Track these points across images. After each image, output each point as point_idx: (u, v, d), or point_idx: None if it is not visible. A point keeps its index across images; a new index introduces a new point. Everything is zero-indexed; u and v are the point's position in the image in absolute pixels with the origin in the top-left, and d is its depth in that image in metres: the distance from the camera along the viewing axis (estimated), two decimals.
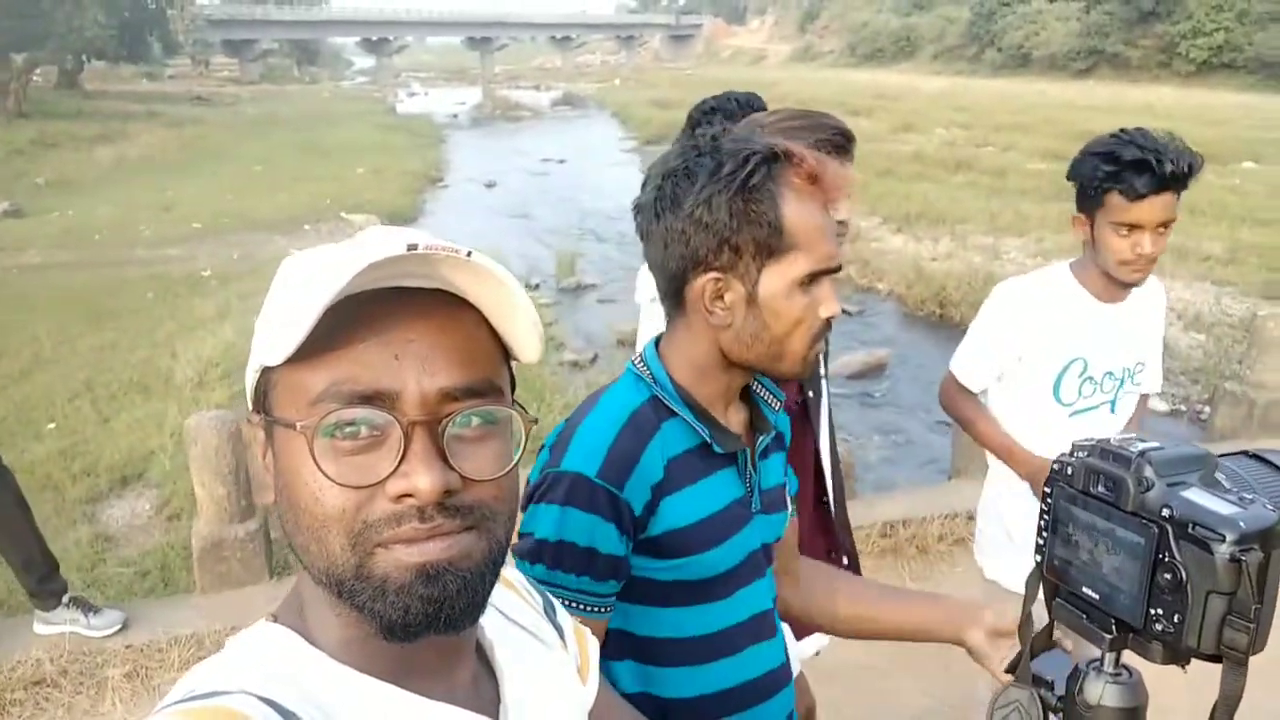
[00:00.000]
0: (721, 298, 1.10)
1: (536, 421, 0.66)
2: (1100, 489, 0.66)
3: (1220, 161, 15.73)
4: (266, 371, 0.64)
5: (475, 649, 0.72)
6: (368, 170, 18.93)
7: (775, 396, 1.24)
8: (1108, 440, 0.69)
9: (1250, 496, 0.63)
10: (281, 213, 14.47)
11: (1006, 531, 2.20)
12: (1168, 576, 0.62)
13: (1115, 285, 2.04)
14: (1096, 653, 0.70)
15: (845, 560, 1.98)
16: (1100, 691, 0.69)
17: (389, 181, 17.89)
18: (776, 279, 1.09)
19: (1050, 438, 2.05)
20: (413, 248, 0.59)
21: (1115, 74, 48.79)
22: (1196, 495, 0.63)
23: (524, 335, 0.67)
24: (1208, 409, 5.87)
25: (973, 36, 61.26)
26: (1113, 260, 1.97)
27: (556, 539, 1.08)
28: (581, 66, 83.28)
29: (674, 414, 1.14)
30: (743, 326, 1.11)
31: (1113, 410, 2.14)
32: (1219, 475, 0.66)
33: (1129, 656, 0.68)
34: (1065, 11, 55.00)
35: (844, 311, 7.25)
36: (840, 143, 1.61)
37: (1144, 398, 2.27)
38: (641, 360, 1.19)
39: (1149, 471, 0.64)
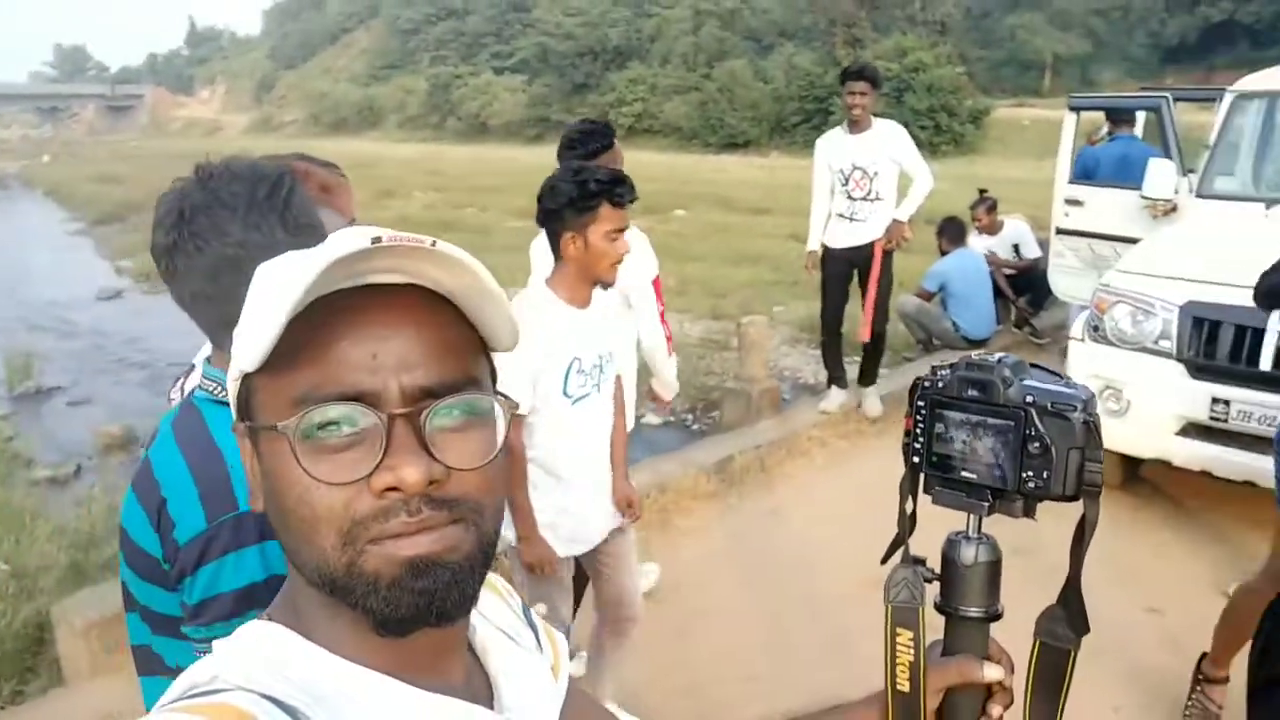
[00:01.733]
0: None
1: (518, 408, 0.66)
2: (972, 392, 0.85)
3: (659, 211, 18.29)
4: (247, 378, 0.64)
5: (468, 647, 0.73)
6: None
7: None
8: (968, 357, 0.88)
9: (1063, 379, 0.85)
10: None
11: None
12: (1036, 445, 0.81)
13: (587, 289, 2.42)
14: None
15: None
16: (974, 553, 0.87)
17: None
18: None
19: (562, 428, 2.46)
20: (376, 240, 0.59)
21: None
22: (1040, 385, 0.83)
23: (498, 324, 0.67)
24: (691, 416, 6.77)
25: (433, 106, 64.31)
26: (606, 264, 2.36)
27: (266, 577, 1.04)
28: None
29: None
30: None
31: (599, 390, 2.53)
32: (1034, 373, 0.86)
33: (987, 524, 0.87)
34: (512, 84, 60.30)
35: None
36: (331, 165, 1.78)
37: (617, 376, 2.70)
38: (214, 382, 1.17)
39: (1007, 373, 0.84)
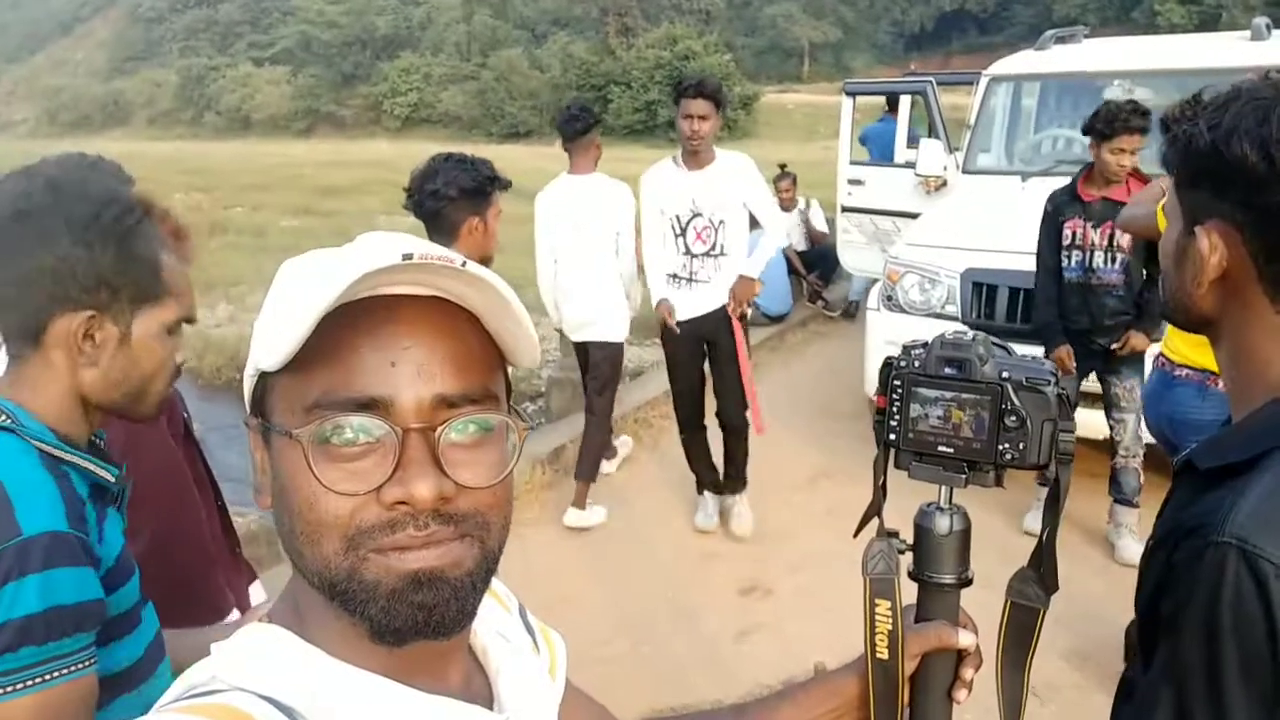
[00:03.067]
0: (92, 337, 1.13)
1: (532, 428, 0.59)
2: (949, 370, 0.89)
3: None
4: (264, 376, 0.64)
5: (468, 650, 0.73)
6: None
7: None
8: (943, 336, 0.91)
9: (1031, 356, 0.89)
10: None
11: None
12: (1013, 419, 0.86)
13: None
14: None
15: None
16: (948, 523, 0.91)
17: None
18: (151, 322, 1.17)
19: None
20: (408, 257, 0.59)
21: (334, 131, 52.24)
22: (1011, 362, 0.87)
23: (520, 340, 0.66)
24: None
25: (186, 100, 59.88)
26: (495, 244, 2.60)
27: (44, 608, 1.00)
28: None
29: (59, 458, 1.11)
30: (110, 366, 1.14)
31: None
32: (997, 350, 0.90)
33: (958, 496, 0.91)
34: (274, 76, 57.05)
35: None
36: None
37: None
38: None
39: (982, 351, 0.88)
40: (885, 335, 4.81)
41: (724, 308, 4.01)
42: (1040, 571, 0.91)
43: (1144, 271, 3.80)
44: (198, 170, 28.18)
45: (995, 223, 4.93)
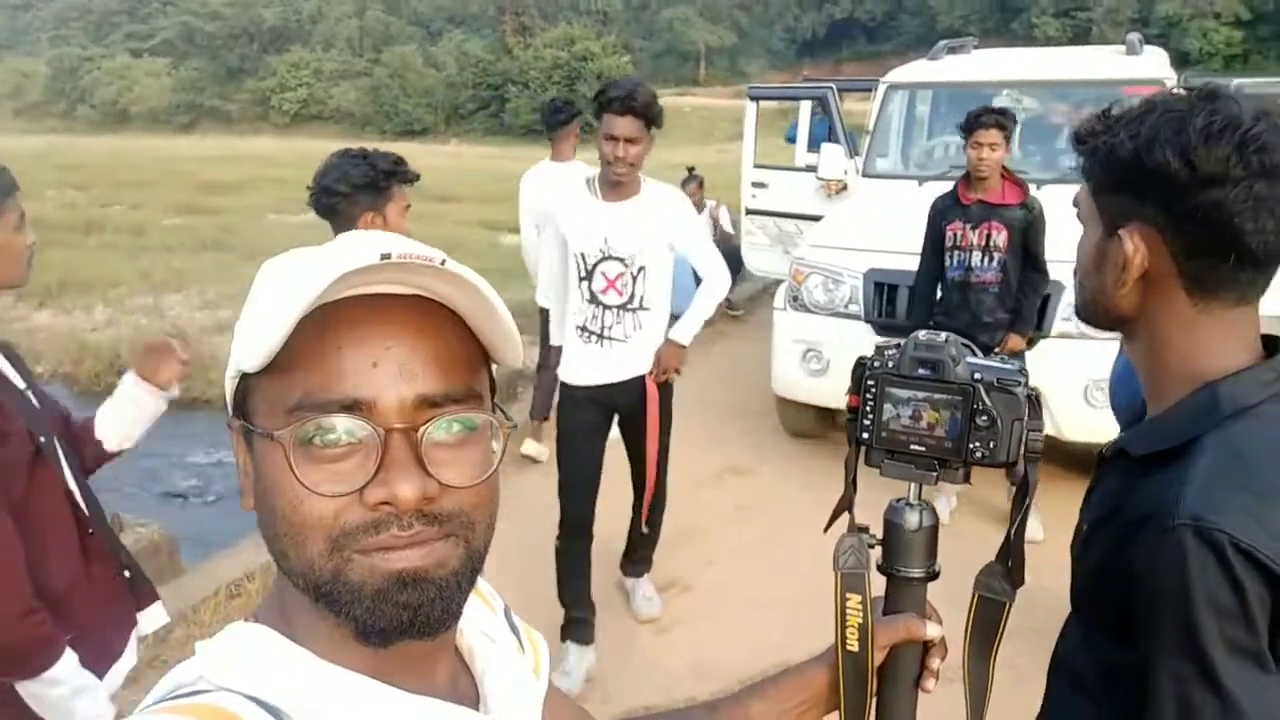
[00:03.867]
0: None
1: (515, 427, 0.61)
2: (922, 370, 0.91)
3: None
4: (245, 377, 0.63)
5: (454, 651, 0.73)
6: None
7: None
8: (916, 337, 0.92)
9: (999, 357, 0.91)
10: None
11: None
12: (984, 418, 0.88)
13: None
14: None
15: (127, 573, 1.95)
16: (918, 518, 0.94)
17: None
18: None
19: None
20: (386, 256, 0.58)
21: (219, 126, 50.32)
22: (982, 364, 0.89)
23: (503, 339, 0.66)
24: None
25: (57, 92, 56.75)
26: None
27: None
28: None
29: None
30: None
31: None
32: (966, 351, 0.92)
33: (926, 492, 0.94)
34: (154, 68, 54.61)
35: None
36: None
37: None
38: None
39: (954, 352, 0.91)
40: (792, 335, 4.92)
41: (642, 377, 3.20)
42: (1008, 565, 0.94)
43: (1021, 275, 4.01)
44: (72, 166, 26.70)
45: (894, 225, 5.09)
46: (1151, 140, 0.96)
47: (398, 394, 0.60)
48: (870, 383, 0.93)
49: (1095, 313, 1.10)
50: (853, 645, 0.90)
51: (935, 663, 0.94)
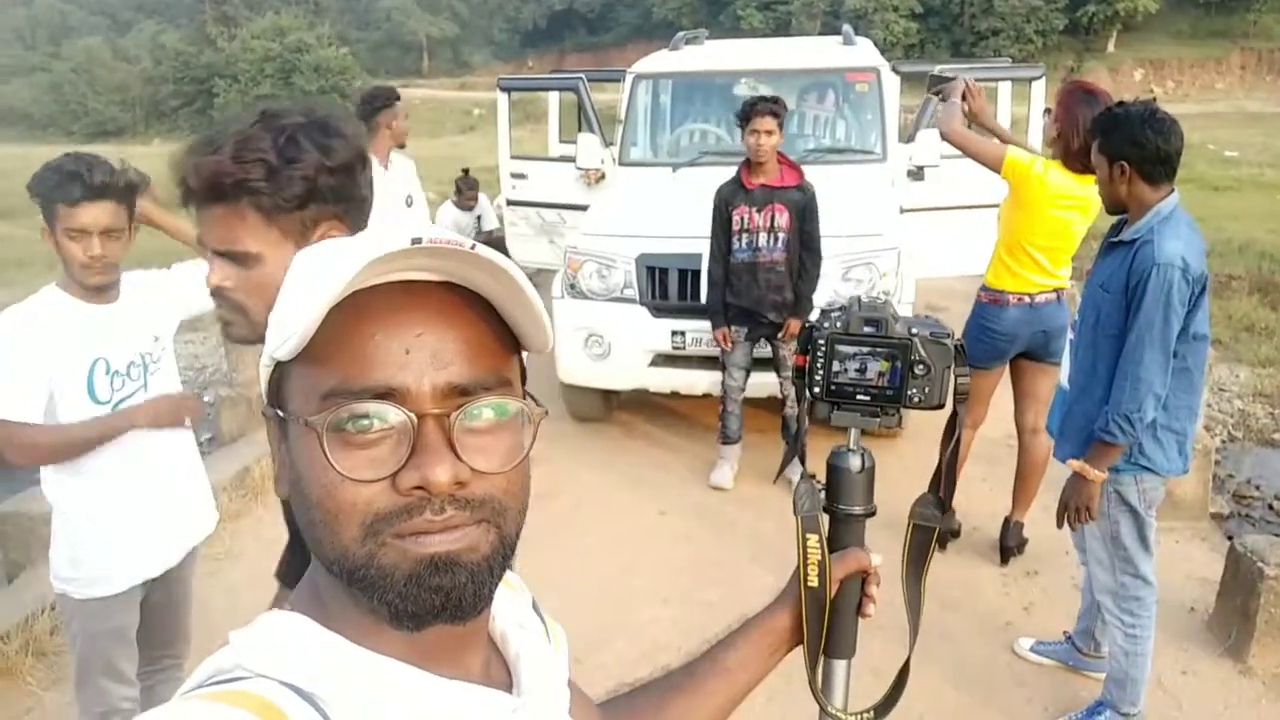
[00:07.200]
0: None
1: (547, 413, 0.67)
2: (867, 329, 1.03)
3: None
4: (279, 365, 0.64)
5: (487, 637, 0.74)
6: None
7: None
8: (858, 299, 1.06)
9: (925, 316, 1.05)
10: None
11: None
12: (921, 367, 1.02)
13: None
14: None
15: None
16: (859, 462, 1.05)
17: None
18: None
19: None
20: (417, 241, 0.59)
21: None
22: (916, 320, 1.03)
23: (534, 325, 0.66)
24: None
25: None
26: (75, 265, 2.16)
27: None
28: None
29: None
30: None
31: (147, 390, 2.33)
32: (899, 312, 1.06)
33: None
34: None
35: None
36: None
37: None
38: None
39: (893, 311, 1.04)
40: (572, 322, 5.02)
41: None
42: (938, 494, 1.08)
43: (800, 261, 4.36)
44: None
45: (658, 210, 5.33)
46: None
47: (430, 381, 0.61)
48: (821, 343, 1.05)
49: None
50: (813, 581, 1.01)
51: (874, 589, 1.06)
